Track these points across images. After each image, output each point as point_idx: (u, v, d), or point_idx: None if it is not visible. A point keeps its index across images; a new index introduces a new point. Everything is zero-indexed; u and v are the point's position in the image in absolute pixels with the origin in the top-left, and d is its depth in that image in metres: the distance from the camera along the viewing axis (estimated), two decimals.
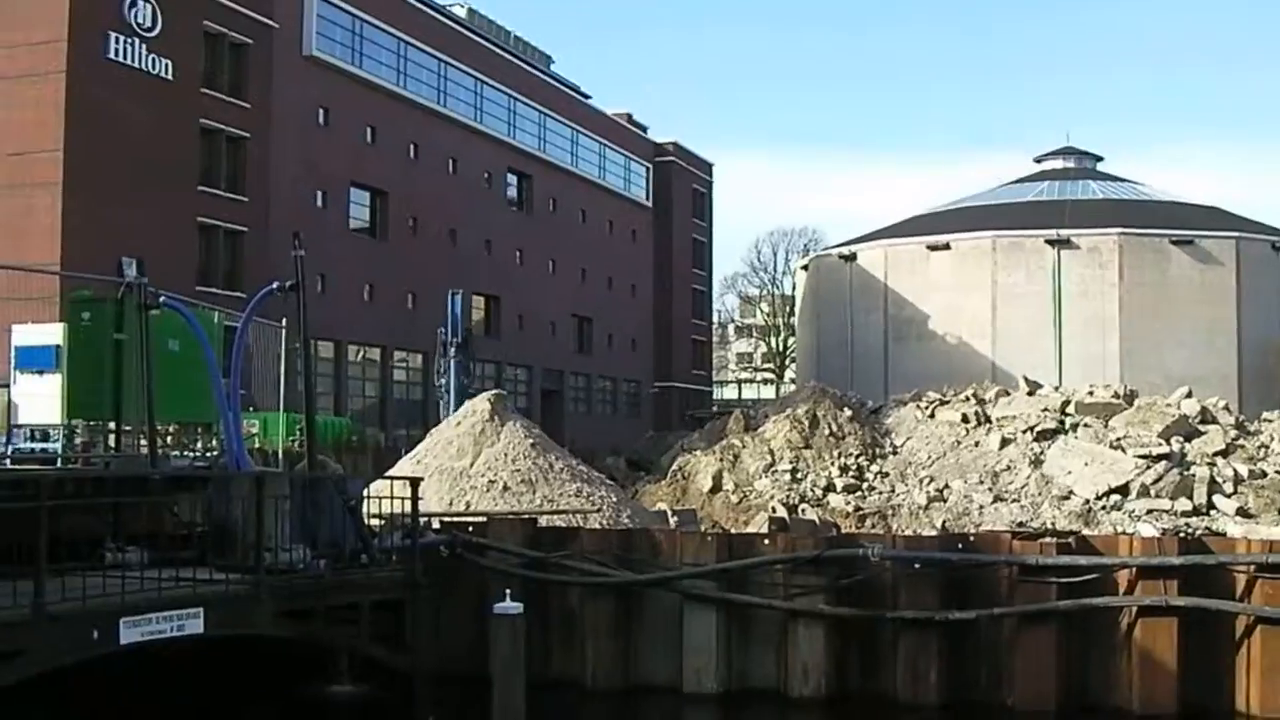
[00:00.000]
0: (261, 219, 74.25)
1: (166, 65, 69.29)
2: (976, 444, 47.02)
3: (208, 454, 32.46)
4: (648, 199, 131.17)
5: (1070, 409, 48.43)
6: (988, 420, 48.78)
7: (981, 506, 42.92)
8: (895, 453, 48.09)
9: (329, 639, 25.10)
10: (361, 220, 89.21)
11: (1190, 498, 42.39)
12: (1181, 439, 45.85)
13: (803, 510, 43.27)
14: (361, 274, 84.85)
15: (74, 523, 22.52)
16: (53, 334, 32.44)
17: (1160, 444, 44.82)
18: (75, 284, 37.21)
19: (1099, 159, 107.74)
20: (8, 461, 31.47)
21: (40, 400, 32.04)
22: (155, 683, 26.56)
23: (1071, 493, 43.21)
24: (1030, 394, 51.56)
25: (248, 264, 72.02)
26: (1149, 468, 43.57)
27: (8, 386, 33.45)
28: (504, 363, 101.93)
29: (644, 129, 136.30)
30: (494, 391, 42.45)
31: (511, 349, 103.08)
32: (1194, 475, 43.41)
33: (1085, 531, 34.51)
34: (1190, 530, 37.29)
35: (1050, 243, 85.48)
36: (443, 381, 55.48)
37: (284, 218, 71.94)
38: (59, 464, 30.12)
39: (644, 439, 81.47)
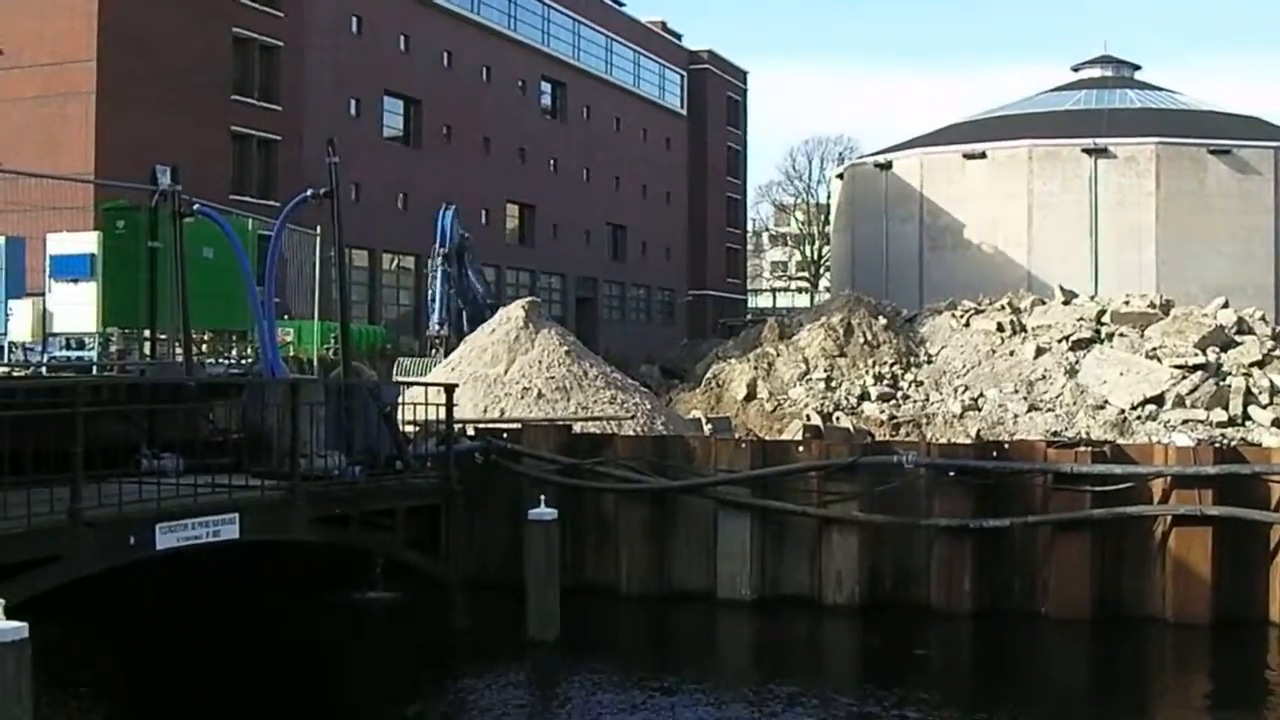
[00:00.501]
0: (295, 128, 74.18)
1: None
2: (1011, 353, 46.88)
3: (242, 361, 32.54)
4: (682, 107, 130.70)
5: (1106, 318, 48.21)
6: (1023, 329, 48.61)
7: (1016, 416, 42.83)
8: (930, 361, 47.98)
9: (364, 545, 25.23)
10: (395, 129, 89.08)
11: (1226, 408, 42.26)
12: (1217, 349, 45.64)
13: (837, 418, 43.25)
14: (395, 183, 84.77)
15: (110, 430, 22.61)
16: (87, 243, 32.51)
17: (1196, 354, 44.64)
18: (109, 193, 37.29)
19: (1136, 68, 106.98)
20: (43, 369, 31.56)
21: (75, 308, 32.16)
22: (194, 590, 26.75)
23: (1106, 402, 43.10)
24: (1066, 303, 51.32)
25: (281, 173, 72.01)
26: (1184, 378, 43.42)
27: (43, 295, 33.52)
28: (538, 271, 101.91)
29: (678, 37, 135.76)
30: (528, 299, 42.41)
31: (545, 257, 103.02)
32: (1229, 386, 43.26)
33: (1120, 441, 34.37)
34: (1225, 441, 37.15)
35: (1087, 152, 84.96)
36: (430, 291, 55.81)
37: (317, 127, 71.80)
38: (94, 371, 30.19)
39: (678, 347, 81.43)
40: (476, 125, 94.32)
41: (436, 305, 53.31)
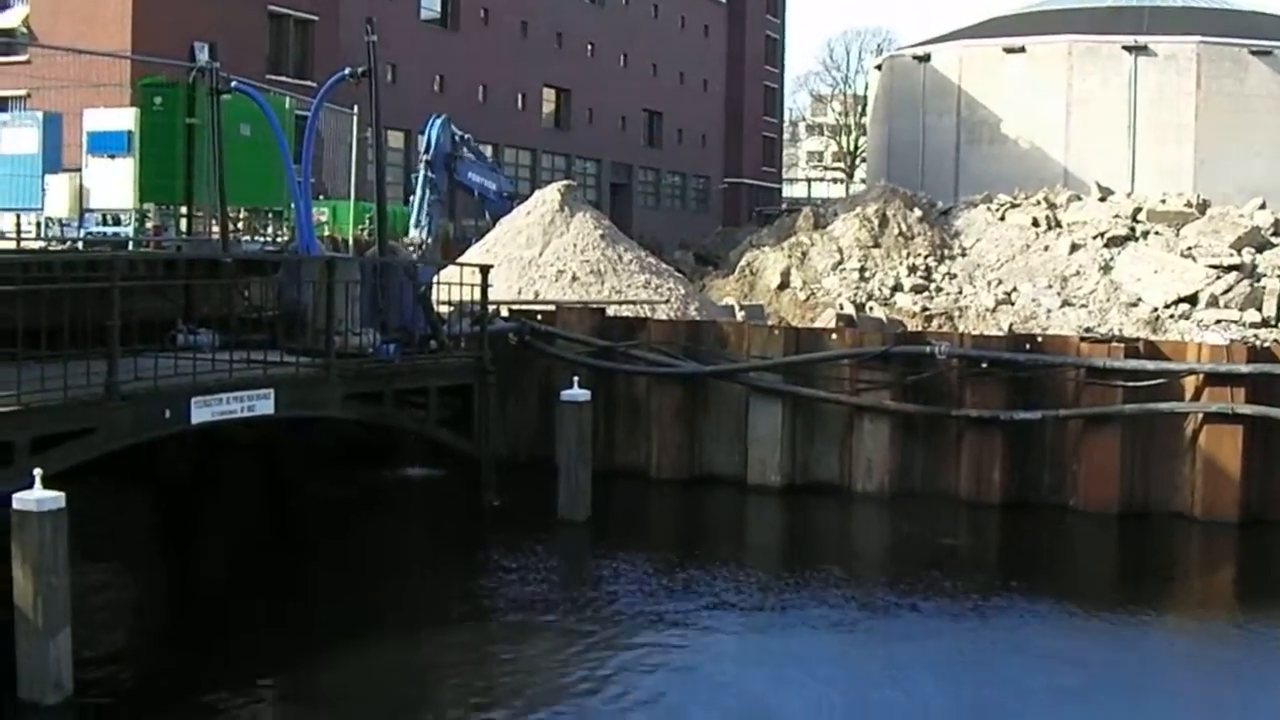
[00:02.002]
0: (331, 8, 73.75)
1: None
2: (1046, 248, 46.82)
3: (278, 239, 32.60)
4: None
5: (1142, 216, 48.10)
6: (1058, 225, 48.52)
7: (1049, 311, 42.83)
8: (964, 254, 47.93)
9: (397, 423, 25.36)
10: (432, 11, 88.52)
11: (1259, 309, 42.19)
12: (1253, 250, 45.52)
13: (870, 309, 43.28)
14: (432, 65, 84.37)
15: (146, 305, 22.71)
16: (125, 119, 32.48)
17: (1231, 254, 44.54)
18: (147, 69, 37.22)
19: None
20: (80, 245, 31.66)
21: (112, 184, 32.17)
22: (228, 466, 26.96)
23: (1140, 300, 43.06)
24: (1102, 200, 51.18)
25: (317, 53, 71.64)
26: (1219, 278, 43.34)
27: (80, 171, 33.55)
28: (573, 155, 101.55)
29: None
30: (564, 182, 42.34)
31: (581, 142, 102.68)
32: (1264, 287, 43.16)
33: (1153, 339, 34.35)
34: (1259, 341, 37.10)
35: (1127, 49, 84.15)
36: (414, 196, 55.67)
37: (354, 6, 71.37)
38: (130, 247, 30.29)
39: (712, 234, 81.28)
40: (514, 8, 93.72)
41: (415, 212, 53.02)
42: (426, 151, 53.62)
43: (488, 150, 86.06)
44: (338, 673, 17.24)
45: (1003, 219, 49.54)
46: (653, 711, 16.60)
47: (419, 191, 53.03)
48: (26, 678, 15.16)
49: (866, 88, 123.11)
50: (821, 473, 28.37)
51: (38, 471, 15.32)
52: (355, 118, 35.44)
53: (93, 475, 18.94)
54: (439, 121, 53.56)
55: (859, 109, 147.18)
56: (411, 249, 44.03)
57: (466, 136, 55.61)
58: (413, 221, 52.00)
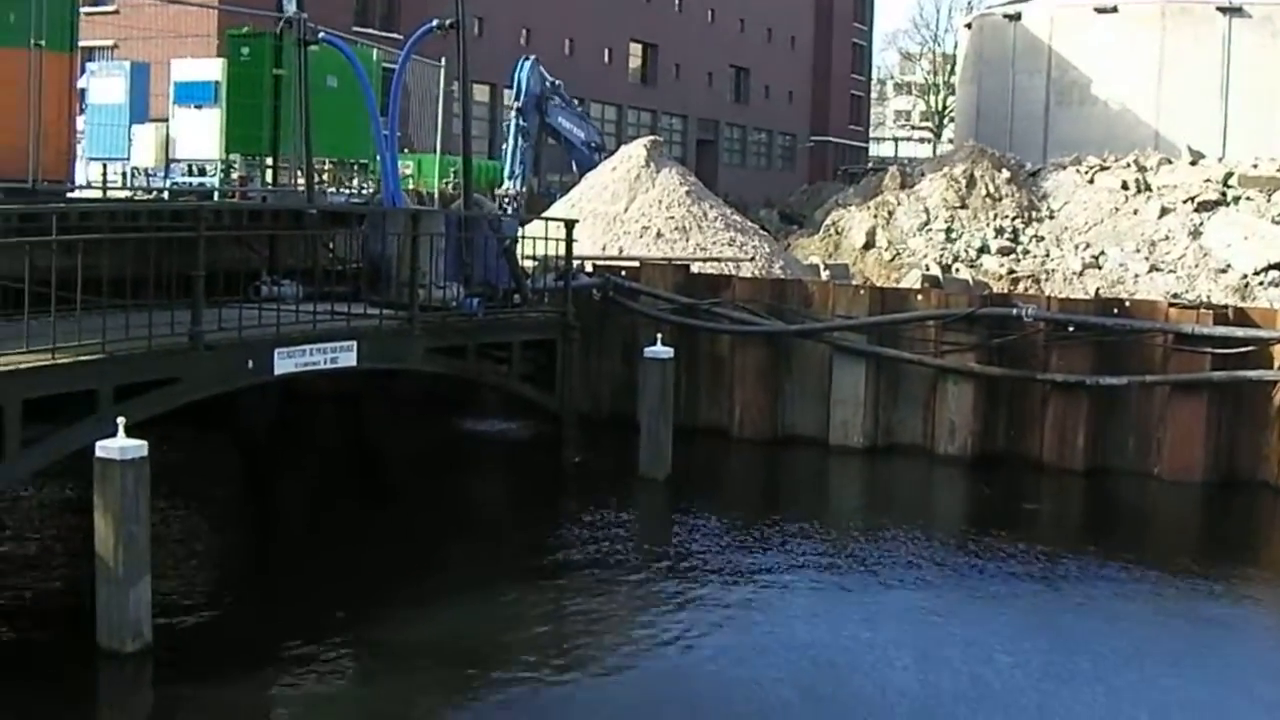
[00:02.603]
0: None
1: None
2: (1135, 212, 46.32)
3: (363, 192, 32.65)
4: None
5: (1233, 181, 47.48)
6: (1148, 188, 47.98)
7: (1137, 275, 42.40)
8: (1052, 217, 47.47)
9: (479, 377, 25.40)
10: None
11: None
12: None
13: (956, 270, 42.99)
14: (518, 18, 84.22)
15: (230, 255, 22.80)
16: (212, 69, 32.55)
17: None
18: (234, 19, 37.29)
19: None
20: (166, 195, 31.79)
21: (198, 134, 32.28)
22: (310, 418, 27.07)
23: (1229, 266, 42.57)
24: (1193, 164, 50.64)
25: (404, 6, 71.63)
26: None
27: (166, 121, 33.66)
28: (659, 111, 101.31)
29: None
30: (650, 138, 42.22)
31: (667, 98, 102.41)
32: None
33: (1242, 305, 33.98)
34: None
35: (1221, 10, 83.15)
36: (505, 145, 55.21)
37: None
38: (216, 198, 30.40)
39: (797, 193, 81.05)
40: None
41: (509, 162, 52.69)
42: (517, 98, 53.68)
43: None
44: (413, 625, 17.27)
45: (1091, 182, 49.02)
46: (725, 666, 16.59)
47: (510, 142, 53.08)
48: (106, 625, 15.24)
49: (956, 46, 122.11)
50: (904, 434, 28.26)
51: (121, 420, 15.37)
52: (442, 71, 35.38)
53: (174, 425, 19.01)
54: (528, 64, 53.44)
55: (948, 68, 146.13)
56: (507, 200, 44.08)
57: (558, 83, 55.55)
58: (506, 173, 52.03)
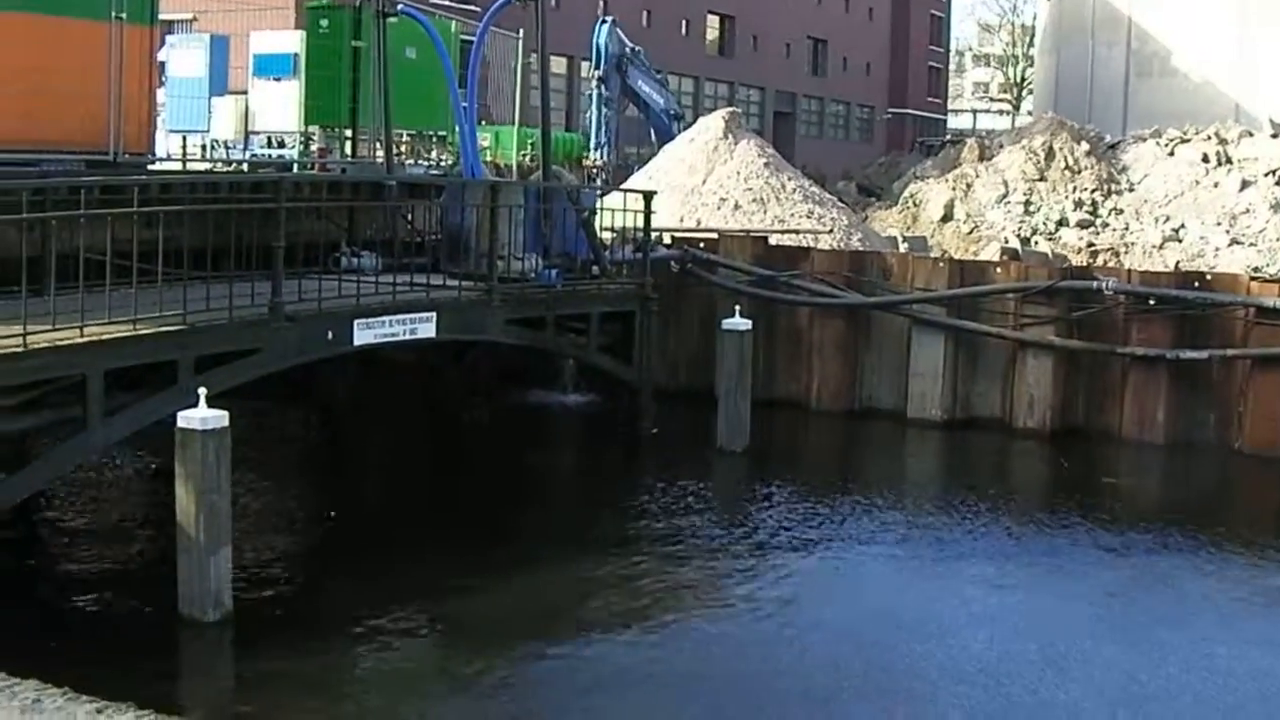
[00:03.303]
0: None
1: None
2: (1216, 185, 45.93)
3: (441, 163, 32.71)
4: None
5: None
6: (1229, 161, 47.53)
7: (1217, 249, 42.07)
8: (1131, 189, 47.12)
9: (557, 348, 25.45)
10: None
11: None
12: None
13: (1034, 243, 42.78)
14: None
15: (310, 227, 22.87)
16: (291, 41, 32.71)
17: None
18: None
19: None
20: (245, 167, 31.93)
21: (277, 107, 32.44)
22: (386, 388, 27.16)
23: None
24: (1275, 136, 50.07)
25: None
26: None
27: (245, 93, 33.82)
28: (737, 83, 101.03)
29: None
30: (728, 109, 42.16)
31: (744, 70, 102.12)
32: None
33: None
34: None
35: None
36: (589, 114, 54.93)
37: None
38: (294, 169, 30.52)
39: (875, 165, 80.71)
40: None
41: (594, 132, 52.45)
42: (596, 66, 53.52)
43: None
44: (492, 594, 17.32)
45: (1171, 154, 48.61)
46: (798, 634, 16.63)
47: (594, 111, 52.95)
48: (187, 594, 15.34)
49: (1035, 17, 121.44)
50: (983, 408, 28.16)
51: (202, 391, 15.45)
52: (520, 42, 35.43)
53: (252, 396, 19.11)
54: (605, 26, 53.27)
55: (1026, 39, 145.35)
56: (595, 170, 44.05)
57: (638, 49, 55.36)
58: (592, 144, 51.91)
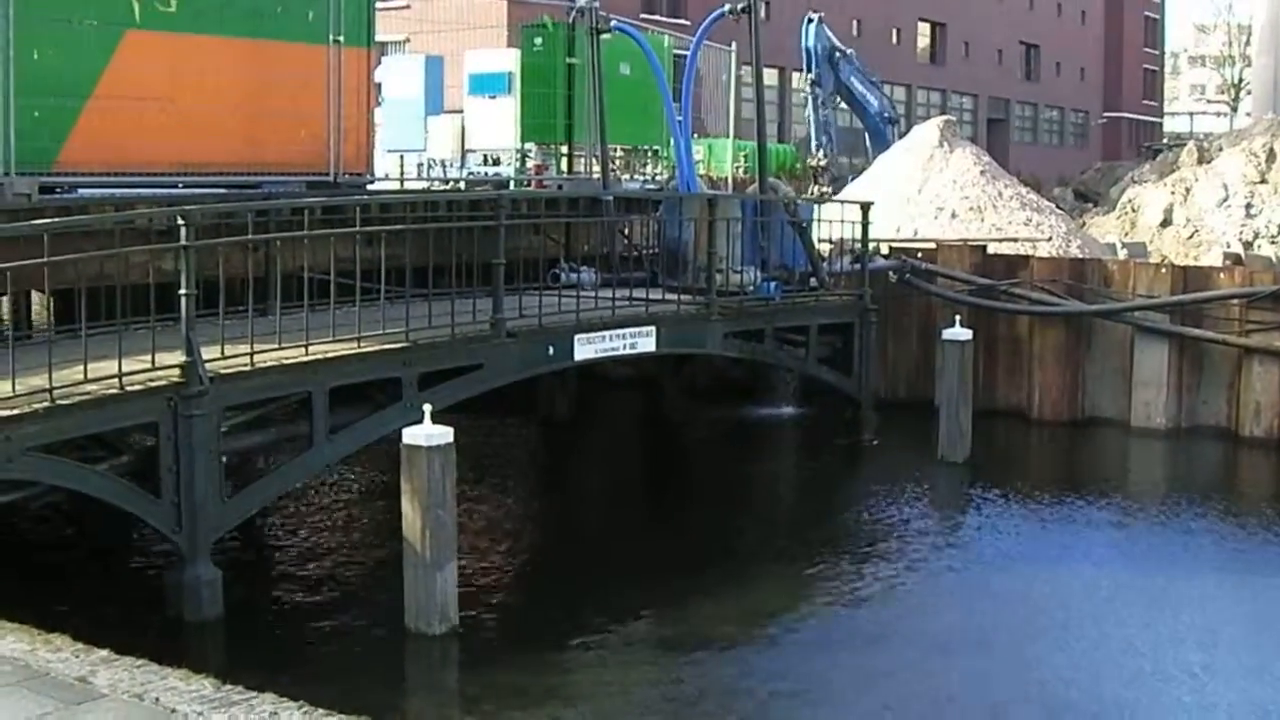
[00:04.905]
0: None
1: None
2: None
3: (656, 178, 32.81)
4: None
5: None
6: None
7: None
8: None
9: (776, 361, 25.45)
10: None
11: None
12: None
13: (1257, 247, 41.97)
14: (805, 1, 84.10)
15: (528, 244, 23.07)
16: (505, 60, 32.97)
17: None
18: (525, 11, 37.71)
19: None
20: (462, 185, 32.25)
21: (493, 125, 32.69)
22: (605, 403, 27.29)
23: None
24: None
25: None
26: None
27: (461, 112, 34.16)
28: (949, 91, 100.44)
29: None
30: (943, 118, 41.93)
31: (957, 77, 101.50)
32: None
33: None
34: None
35: None
36: (807, 117, 54.89)
37: None
38: (511, 186, 30.78)
39: (1091, 170, 79.78)
40: None
41: (813, 134, 52.67)
42: (808, 68, 53.58)
43: None
44: (709, 607, 17.29)
45: None
46: (1010, 650, 16.46)
47: (812, 113, 53.07)
48: (414, 608, 15.48)
49: (1251, 17, 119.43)
50: (1207, 416, 27.66)
51: (427, 407, 15.60)
52: (733, 55, 35.47)
53: (475, 411, 19.27)
54: (812, 27, 53.32)
55: (1244, 39, 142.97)
56: (820, 170, 44.01)
57: (849, 51, 55.30)
58: (812, 145, 51.92)
